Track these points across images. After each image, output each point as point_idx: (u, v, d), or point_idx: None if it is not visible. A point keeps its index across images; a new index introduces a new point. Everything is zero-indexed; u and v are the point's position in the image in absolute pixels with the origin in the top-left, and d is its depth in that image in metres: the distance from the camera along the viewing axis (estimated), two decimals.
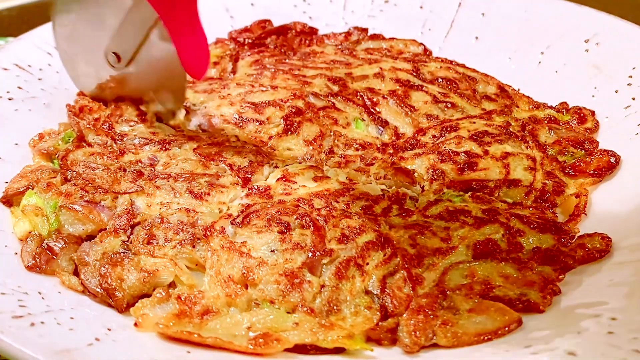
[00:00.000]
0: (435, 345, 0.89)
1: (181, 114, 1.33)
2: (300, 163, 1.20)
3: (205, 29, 1.59)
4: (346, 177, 1.16)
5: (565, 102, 1.35)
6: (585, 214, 1.12)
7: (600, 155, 1.19)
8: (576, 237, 1.05)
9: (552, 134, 1.26)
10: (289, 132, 1.26)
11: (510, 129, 1.26)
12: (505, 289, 0.94)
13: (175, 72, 1.23)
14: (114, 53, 1.25)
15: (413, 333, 0.89)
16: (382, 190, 1.12)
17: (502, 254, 1.01)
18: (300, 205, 1.06)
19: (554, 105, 1.36)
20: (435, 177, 1.15)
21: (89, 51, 1.28)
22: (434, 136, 1.26)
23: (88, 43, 1.28)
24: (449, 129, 1.26)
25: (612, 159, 1.18)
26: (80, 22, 1.26)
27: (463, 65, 1.47)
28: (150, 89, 1.29)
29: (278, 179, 1.14)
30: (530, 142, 1.23)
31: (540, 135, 1.26)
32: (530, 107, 1.36)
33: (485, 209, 1.08)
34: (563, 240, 1.03)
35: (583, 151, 1.22)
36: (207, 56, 1.25)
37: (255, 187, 1.12)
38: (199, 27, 1.16)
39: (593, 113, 1.30)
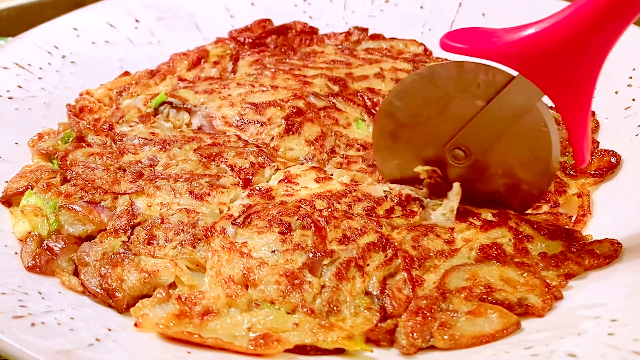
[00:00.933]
0: (433, 347, 0.89)
1: (185, 116, 1.33)
2: (302, 164, 1.20)
3: (205, 28, 1.62)
4: (350, 180, 1.16)
5: None
6: (591, 214, 1.12)
7: (601, 155, 1.19)
8: (587, 243, 1.04)
9: None
10: (291, 132, 1.26)
11: None
12: (505, 292, 0.94)
13: (543, 156, 1.05)
14: (460, 148, 1.07)
15: (410, 334, 0.89)
16: (384, 191, 1.12)
17: (506, 258, 1.00)
18: (302, 206, 1.06)
19: (553, 106, 1.36)
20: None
21: (419, 148, 1.10)
22: None
23: (422, 139, 1.09)
24: None
25: (613, 159, 1.18)
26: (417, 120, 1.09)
27: None
28: (501, 176, 1.08)
29: (280, 181, 1.14)
30: None
31: None
32: None
33: (496, 213, 1.08)
34: (572, 247, 1.02)
35: None
36: (590, 138, 1.03)
37: (257, 188, 1.12)
38: (589, 109, 0.98)
39: (593, 114, 1.30)
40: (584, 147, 1.00)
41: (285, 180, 1.13)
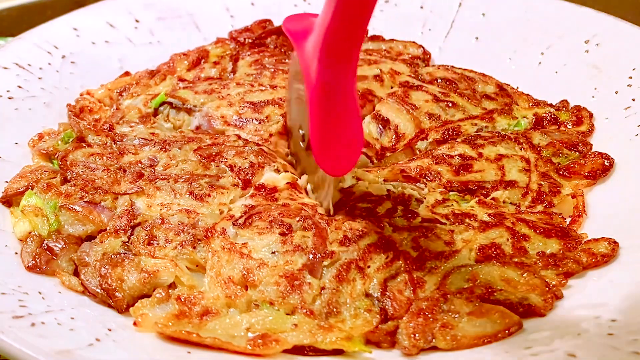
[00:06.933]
0: (435, 348, 0.89)
1: (185, 116, 1.33)
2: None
3: (205, 28, 1.62)
4: (353, 177, 1.16)
5: (566, 100, 1.35)
6: (586, 214, 1.12)
7: (595, 158, 1.19)
8: (583, 242, 1.04)
9: (545, 137, 1.26)
10: None
11: (503, 132, 1.26)
12: (506, 292, 0.94)
13: None
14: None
15: (412, 336, 0.89)
16: (387, 190, 1.12)
17: (505, 258, 1.00)
18: (304, 208, 1.06)
19: (554, 104, 1.36)
20: (431, 178, 1.15)
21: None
22: (435, 140, 1.26)
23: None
24: (450, 131, 1.27)
25: (606, 162, 1.18)
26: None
27: (460, 68, 1.47)
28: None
29: (287, 183, 1.13)
30: (523, 144, 1.23)
31: (533, 137, 1.25)
32: (531, 104, 1.36)
33: (492, 213, 1.08)
34: (569, 245, 1.03)
35: (577, 153, 1.22)
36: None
37: (262, 183, 1.11)
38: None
39: (591, 115, 1.30)
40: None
41: (291, 185, 1.13)
